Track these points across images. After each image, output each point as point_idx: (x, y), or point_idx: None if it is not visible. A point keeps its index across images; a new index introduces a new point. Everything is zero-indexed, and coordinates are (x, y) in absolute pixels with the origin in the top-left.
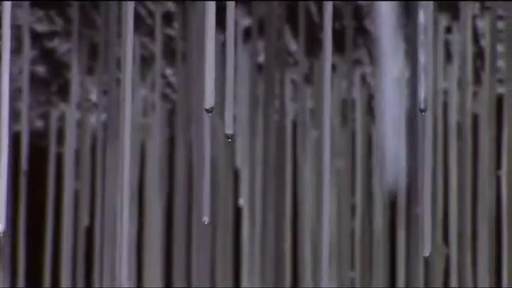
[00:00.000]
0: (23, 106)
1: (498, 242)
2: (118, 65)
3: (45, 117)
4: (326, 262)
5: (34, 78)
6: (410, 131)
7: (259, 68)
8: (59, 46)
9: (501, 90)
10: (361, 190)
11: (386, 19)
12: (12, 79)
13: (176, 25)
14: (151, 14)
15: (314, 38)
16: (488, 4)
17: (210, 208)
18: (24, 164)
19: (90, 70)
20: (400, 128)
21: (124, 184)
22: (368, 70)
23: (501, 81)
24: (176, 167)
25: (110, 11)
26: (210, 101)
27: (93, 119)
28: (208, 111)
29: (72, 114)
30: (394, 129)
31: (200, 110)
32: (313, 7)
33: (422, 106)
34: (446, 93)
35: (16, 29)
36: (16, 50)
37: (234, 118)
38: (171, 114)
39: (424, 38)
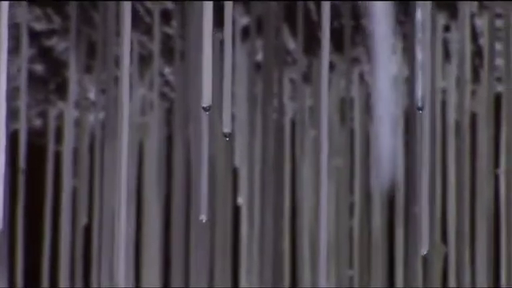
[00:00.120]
0: (21, 104)
1: (496, 240)
2: (116, 63)
3: (43, 115)
4: (325, 261)
5: (31, 77)
6: (408, 130)
7: (257, 67)
8: (57, 44)
9: (499, 88)
10: (359, 188)
11: (383, 18)
12: (10, 78)
13: (174, 23)
14: (149, 12)
15: (313, 37)
16: (486, 2)
17: (208, 207)
18: (22, 162)
19: (87, 69)
20: (398, 126)
21: (122, 182)
22: (366, 68)
23: (499, 79)
24: (174, 166)
25: (107, 10)
26: (207, 99)
27: (91, 118)
28: (206, 110)
29: (70, 113)
30: (391, 127)
31: (198, 108)
32: (311, 6)
33: (420, 105)
34: (444, 91)
35: (14, 27)
36: (14, 49)
37: (233, 117)
38: (169, 112)
39: (422, 36)
